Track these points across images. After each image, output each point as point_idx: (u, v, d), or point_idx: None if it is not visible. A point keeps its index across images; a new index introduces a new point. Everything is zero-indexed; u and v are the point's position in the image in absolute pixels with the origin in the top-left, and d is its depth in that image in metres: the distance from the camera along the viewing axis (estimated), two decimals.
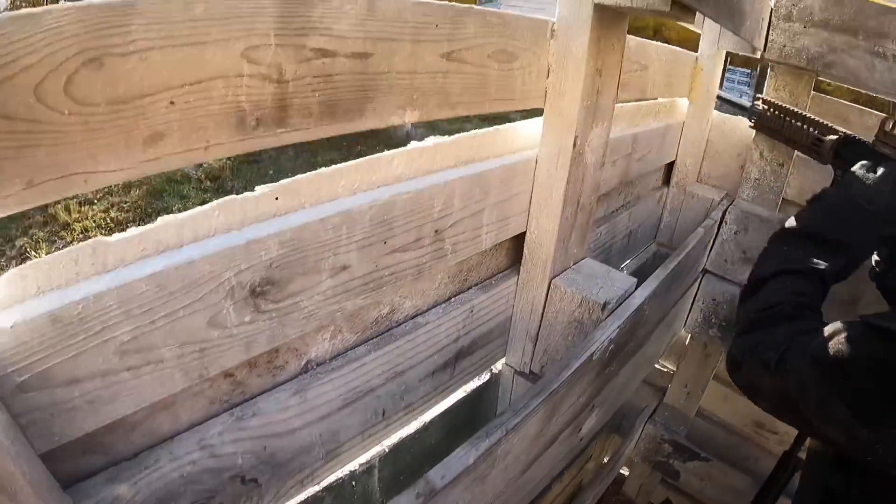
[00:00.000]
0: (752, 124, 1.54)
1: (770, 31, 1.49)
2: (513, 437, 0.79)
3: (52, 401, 0.54)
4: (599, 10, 0.89)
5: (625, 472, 2.41)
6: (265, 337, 0.70)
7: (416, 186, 0.80)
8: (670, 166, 1.73)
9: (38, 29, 0.43)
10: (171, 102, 0.52)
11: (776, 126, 1.49)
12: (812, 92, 1.54)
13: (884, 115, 1.36)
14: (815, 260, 1.06)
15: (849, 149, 1.30)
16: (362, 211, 0.73)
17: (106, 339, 0.55)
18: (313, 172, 0.71)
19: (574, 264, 1.15)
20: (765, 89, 1.61)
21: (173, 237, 0.61)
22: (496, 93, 0.88)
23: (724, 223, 1.63)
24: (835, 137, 1.33)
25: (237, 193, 0.66)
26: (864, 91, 1.47)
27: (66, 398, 0.55)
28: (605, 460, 2.00)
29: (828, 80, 1.54)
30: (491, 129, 0.97)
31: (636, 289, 1.13)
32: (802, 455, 1.22)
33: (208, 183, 6.33)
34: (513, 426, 0.77)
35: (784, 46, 1.46)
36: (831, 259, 1.05)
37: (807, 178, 1.67)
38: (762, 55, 1.52)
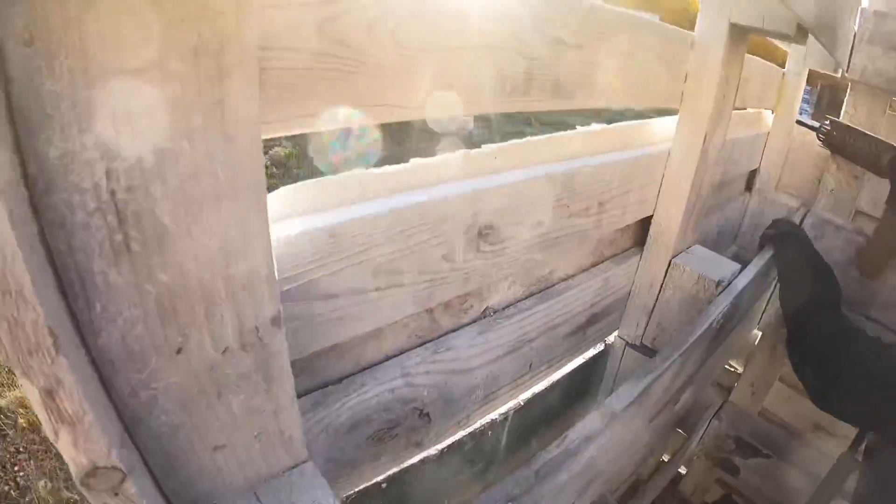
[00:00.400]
0: (821, 142, 1.68)
1: (853, 53, 1.62)
2: (657, 384, 0.91)
3: (310, 313, 0.62)
4: (733, 28, 1.04)
5: (682, 471, 2.48)
6: (477, 276, 0.83)
7: (594, 162, 0.94)
8: (753, 173, 1.87)
9: None
10: (461, 59, 0.65)
11: (841, 143, 1.64)
12: (887, 111, 1.67)
13: None
14: None
15: None
16: (556, 177, 0.87)
17: (367, 258, 0.66)
18: (521, 140, 0.85)
19: (687, 248, 1.28)
20: (843, 106, 1.74)
21: (420, 178, 0.74)
22: (653, 92, 1.02)
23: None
24: (891, 154, 1.47)
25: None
26: None
27: (320, 311, 0.64)
28: (665, 458, 2.09)
29: None
30: (639, 122, 1.11)
31: (740, 273, 1.25)
32: (859, 457, 1.34)
33: (274, 169, 6.50)
34: (660, 372, 0.89)
35: (865, 68, 1.59)
36: None
37: (879, 191, 1.78)
38: (843, 74, 1.65)
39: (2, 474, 2.75)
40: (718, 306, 1.11)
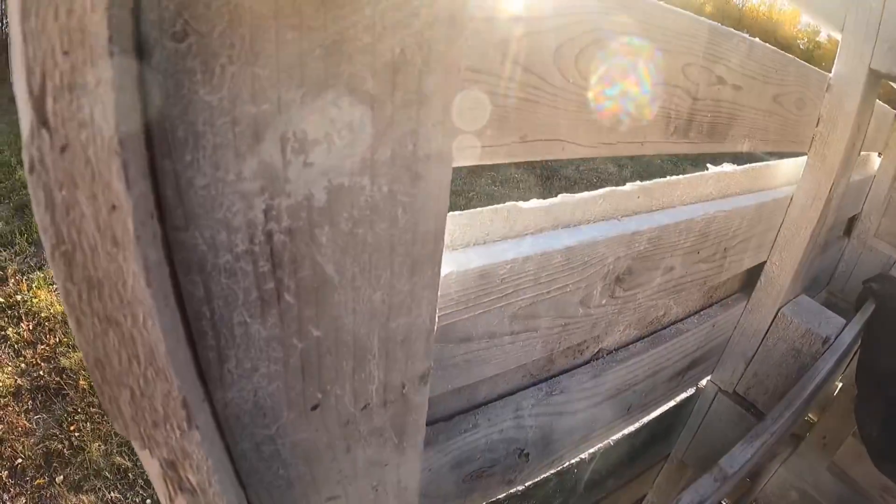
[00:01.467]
0: None
1: None
2: (767, 444, 0.84)
3: (441, 355, 0.57)
4: (871, 73, 0.96)
5: None
6: (605, 322, 0.77)
7: (728, 206, 0.87)
8: (854, 218, 1.76)
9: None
10: (628, 96, 0.59)
11: None
12: None
13: None
14: None
15: None
16: (696, 221, 0.80)
17: (510, 302, 0.61)
18: (664, 179, 0.79)
19: (795, 297, 1.21)
20: None
21: (568, 214, 0.68)
22: (788, 135, 0.95)
23: None
24: None
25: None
26: None
27: (452, 354, 0.59)
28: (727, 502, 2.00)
29: None
30: (765, 164, 1.04)
31: (843, 329, 1.17)
32: None
33: None
34: (775, 429, 0.83)
35: None
36: None
37: None
38: None
39: (57, 433, 2.77)
40: (826, 364, 1.04)
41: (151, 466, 0.31)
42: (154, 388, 0.27)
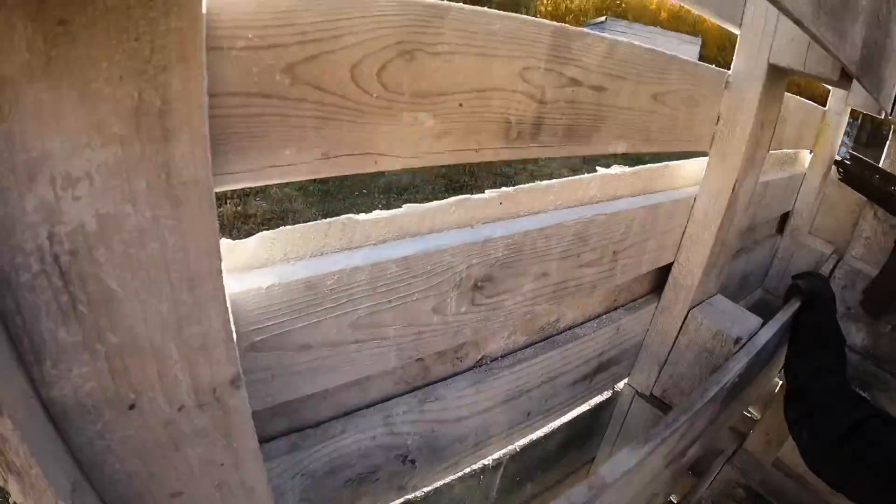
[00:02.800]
0: (840, 176, 1.60)
1: None
2: (657, 451, 0.83)
3: (280, 363, 0.57)
4: (772, 69, 0.94)
5: None
6: (470, 329, 0.75)
7: (610, 209, 0.85)
8: (786, 215, 1.75)
9: (366, 13, 0.47)
10: (460, 105, 0.58)
11: (858, 179, 1.58)
12: None
13: None
14: None
15: None
16: (569, 225, 0.78)
17: (347, 311, 0.60)
18: (531, 184, 0.77)
19: (708, 298, 1.19)
20: (886, 148, 1.64)
21: (414, 225, 0.67)
22: (680, 134, 0.93)
23: (832, 277, 1.64)
24: None
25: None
26: None
27: (293, 363, 0.58)
28: (675, 500, 1.99)
29: None
30: (661, 164, 1.02)
31: (759, 329, 1.16)
32: None
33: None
34: (660, 440, 0.81)
35: None
36: None
37: None
38: (886, 116, 1.54)
39: None
40: (736, 364, 1.02)
41: None
42: None
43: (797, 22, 0.56)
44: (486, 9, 0.57)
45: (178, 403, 0.44)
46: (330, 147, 0.50)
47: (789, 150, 1.56)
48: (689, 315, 1.12)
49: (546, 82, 0.65)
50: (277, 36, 0.44)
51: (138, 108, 0.34)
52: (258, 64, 0.43)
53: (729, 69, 0.99)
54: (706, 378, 1.15)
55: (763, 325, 1.16)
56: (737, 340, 1.09)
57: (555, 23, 0.64)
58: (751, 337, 1.12)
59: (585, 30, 0.68)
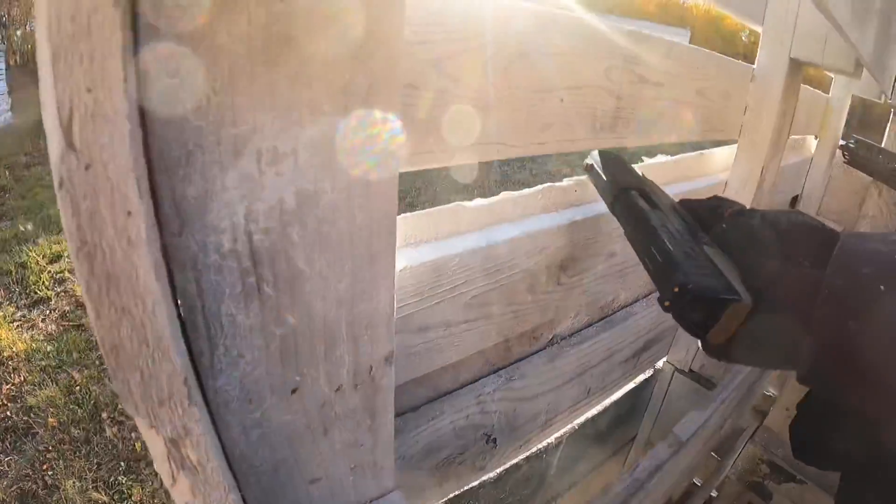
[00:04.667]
0: (845, 159, 1.73)
1: None
2: (717, 413, 0.94)
3: (403, 345, 0.64)
4: (792, 62, 1.06)
5: (713, 494, 2.50)
6: (553, 307, 0.86)
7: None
8: (795, 199, 1.89)
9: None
10: (561, 100, 0.68)
11: (864, 161, 1.70)
12: None
13: None
14: None
15: None
16: None
17: (462, 292, 0.68)
18: None
19: None
20: (886, 130, 1.78)
21: (509, 210, 0.76)
22: (716, 124, 1.05)
23: None
24: None
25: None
26: None
27: (412, 344, 0.65)
28: (698, 482, 2.11)
29: None
30: (697, 153, 1.15)
31: None
32: None
33: None
34: (724, 397, 0.92)
35: None
36: None
37: None
38: (885, 100, 1.69)
39: (30, 472, 2.77)
40: None
41: (156, 446, 0.36)
42: (160, 368, 0.33)
43: (838, 27, 0.67)
44: (583, 16, 0.68)
45: (338, 384, 0.46)
46: (463, 135, 0.59)
47: (797, 136, 1.70)
48: None
49: (623, 79, 0.76)
50: (428, 33, 0.52)
51: (347, 87, 0.36)
52: (412, 58, 0.51)
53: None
54: None
55: None
56: None
57: (628, 27, 0.75)
58: None
59: (647, 32, 0.80)
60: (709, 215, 0.61)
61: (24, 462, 2.83)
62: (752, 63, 1.09)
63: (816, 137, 1.82)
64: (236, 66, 0.31)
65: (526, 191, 0.78)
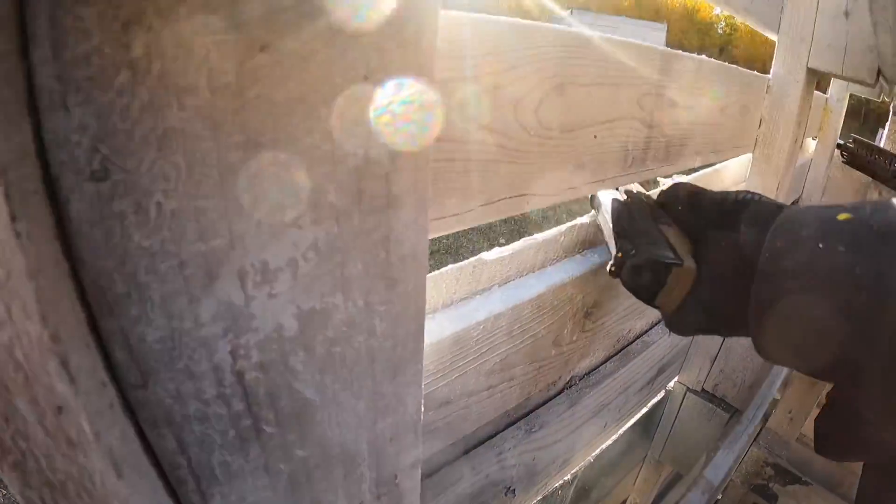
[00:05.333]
0: (844, 159, 1.68)
1: None
2: (747, 441, 0.86)
3: (423, 426, 0.57)
4: (809, 72, 0.99)
5: (718, 496, 2.46)
6: (577, 355, 0.77)
7: None
8: (796, 201, 1.83)
9: (529, 45, 0.47)
10: (595, 136, 0.59)
11: (863, 161, 1.65)
12: None
13: None
14: None
15: None
16: None
17: (486, 360, 0.59)
18: None
19: None
20: (885, 130, 1.72)
21: (531, 258, 0.67)
22: (736, 141, 0.97)
23: None
24: None
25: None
26: None
27: (432, 421, 0.57)
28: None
29: None
30: (711, 169, 1.07)
31: None
32: None
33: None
34: (751, 431, 0.85)
35: None
36: None
37: None
38: (883, 99, 1.64)
39: None
40: None
41: None
42: None
43: (882, 56, 0.59)
44: (613, 37, 0.58)
45: (358, 500, 0.39)
46: (492, 193, 0.50)
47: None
48: None
49: (654, 106, 0.67)
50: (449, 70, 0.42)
51: (362, 168, 0.27)
52: None
53: (698, 53, 1.03)
54: (757, 368, 1.20)
55: None
56: None
57: (661, 47, 0.66)
58: None
59: (679, 52, 0.70)
60: (671, 200, 0.62)
61: None
62: (726, 61, 1.01)
63: (815, 138, 1.75)
64: (197, 154, 0.21)
65: (547, 233, 0.69)
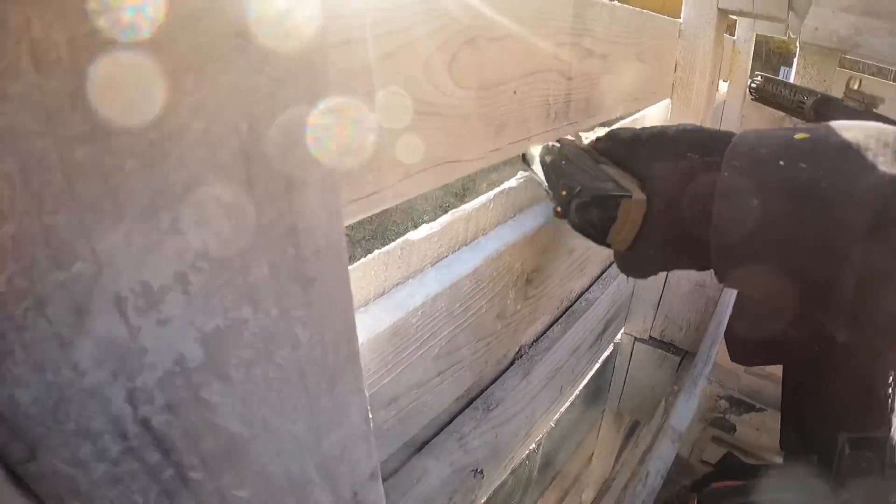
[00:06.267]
0: (754, 97, 1.71)
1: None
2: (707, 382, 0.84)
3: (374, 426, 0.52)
4: (721, 13, 0.98)
5: None
6: (524, 324, 0.73)
7: None
8: None
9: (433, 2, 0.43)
10: (514, 92, 0.54)
11: (770, 95, 1.69)
12: (837, 69, 1.70)
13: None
14: None
15: (825, 106, 1.52)
16: None
17: (430, 346, 0.55)
18: None
19: None
20: (794, 67, 1.76)
21: (462, 231, 0.63)
22: (654, 86, 0.95)
23: None
24: (813, 99, 1.54)
25: None
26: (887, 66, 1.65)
27: (383, 420, 0.53)
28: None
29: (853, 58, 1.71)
30: (631, 118, 1.03)
31: None
32: None
33: None
34: (707, 372, 0.84)
35: (816, 29, 1.60)
36: None
37: None
38: (789, 36, 1.66)
39: None
40: (732, 295, 1.07)
41: None
42: None
43: None
44: None
45: None
46: (411, 164, 0.45)
47: None
48: None
49: (572, 57, 0.63)
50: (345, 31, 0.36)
51: (248, 150, 0.21)
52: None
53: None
54: (702, 310, 1.20)
55: None
56: None
57: None
58: None
59: None
60: (608, 145, 0.61)
61: None
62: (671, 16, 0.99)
63: (726, 80, 1.76)
64: (30, 158, 0.15)
65: (475, 202, 0.64)
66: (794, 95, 1.63)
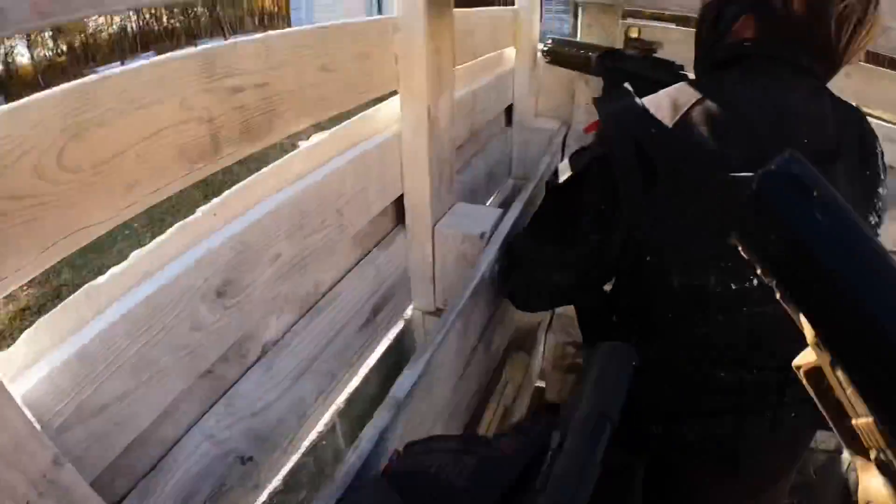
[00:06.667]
0: (547, 59, 1.93)
1: None
2: (440, 352, 1.02)
3: (89, 432, 0.68)
4: (429, 3, 1.13)
5: (541, 384, 2.77)
6: (234, 329, 0.89)
7: (319, 176, 1.03)
8: (510, 108, 2.06)
9: (20, 120, 0.57)
10: (138, 155, 0.69)
11: (562, 55, 1.92)
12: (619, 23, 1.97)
13: None
14: None
15: (607, 58, 1.77)
16: (283, 207, 0.94)
17: (120, 363, 0.71)
18: (237, 186, 0.90)
19: (449, 209, 1.42)
20: (578, 26, 1.99)
21: (146, 265, 0.78)
22: (361, 87, 1.11)
23: (565, 146, 2.00)
24: (597, 53, 1.78)
25: None
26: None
27: (99, 425, 0.69)
28: (521, 380, 2.35)
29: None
30: (356, 117, 1.20)
31: (504, 217, 1.42)
32: None
33: None
34: (438, 342, 1.01)
35: None
36: None
37: None
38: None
39: None
40: (486, 258, 1.24)
41: None
42: None
43: None
44: (140, 63, 0.69)
45: (24, 500, 0.54)
46: (46, 239, 0.61)
47: (492, 54, 1.84)
48: (435, 230, 1.35)
49: (209, 102, 0.77)
50: None
51: None
52: None
53: None
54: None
55: (504, 213, 1.41)
56: (482, 236, 1.31)
57: (202, 48, 0.77)
58: (495, 228, 1.36)
59: (234, 40, 0.81)
60: None
61: None
62: None
63: (516, 48, 1.97)
64: None
65: (158, 239, 0.80)
66: (581, 52, 1.84)
